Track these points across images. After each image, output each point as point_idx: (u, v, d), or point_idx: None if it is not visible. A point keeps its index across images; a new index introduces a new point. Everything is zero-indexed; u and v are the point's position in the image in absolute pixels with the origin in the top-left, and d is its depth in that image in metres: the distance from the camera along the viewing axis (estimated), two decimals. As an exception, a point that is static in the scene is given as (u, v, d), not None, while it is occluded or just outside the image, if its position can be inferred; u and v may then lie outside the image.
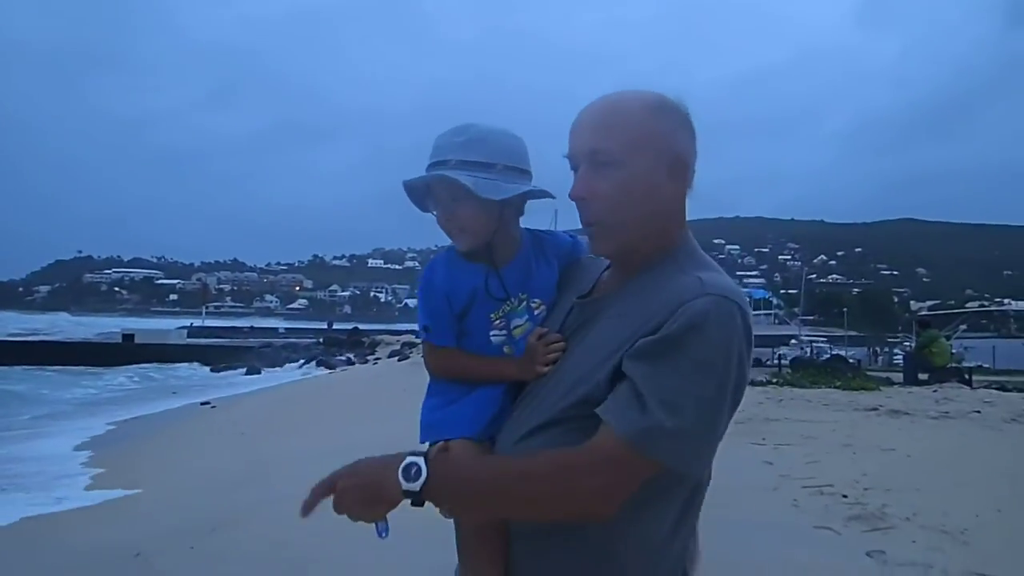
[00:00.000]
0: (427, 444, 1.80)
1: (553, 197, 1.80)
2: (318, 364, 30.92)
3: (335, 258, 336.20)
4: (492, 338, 1.82)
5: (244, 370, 31.79)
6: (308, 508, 1.59)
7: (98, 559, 6.15)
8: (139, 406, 20.66)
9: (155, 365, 36.44)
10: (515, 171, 1.80)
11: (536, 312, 1.83)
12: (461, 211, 1.78)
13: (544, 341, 1.72)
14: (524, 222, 1.90)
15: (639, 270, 1.63)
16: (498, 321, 1.82)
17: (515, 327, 1.82)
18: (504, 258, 1.84)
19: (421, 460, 1.52)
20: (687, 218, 1.69)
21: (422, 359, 1.93)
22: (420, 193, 1.86)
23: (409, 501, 1.51)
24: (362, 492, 1.55)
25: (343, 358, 36.19)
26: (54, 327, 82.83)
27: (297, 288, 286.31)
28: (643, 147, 1.57)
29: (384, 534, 1.59)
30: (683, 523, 1.57)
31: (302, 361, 32.29)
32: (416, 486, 1.49)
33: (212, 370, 32.03)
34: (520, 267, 1.85)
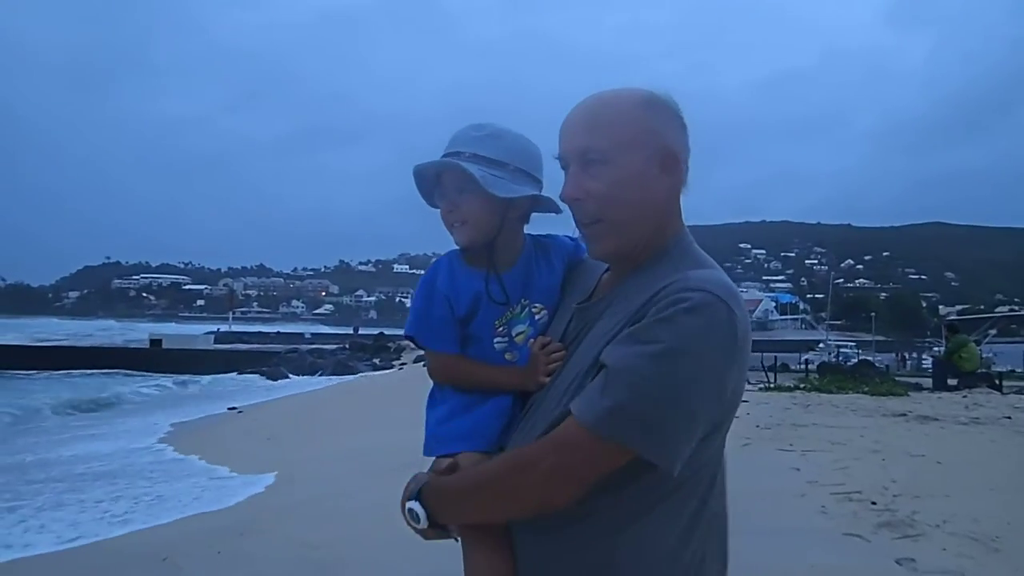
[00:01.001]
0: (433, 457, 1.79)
1: (559, 212, 1.79)
2: (343, 373, 30.88)
3: (361, 263, 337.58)
4: (495, 344, 1.81)
5: (273, 378, 31.67)
6: None
7: (126, 563, 6.20)
8: (171, 412, 20.82)
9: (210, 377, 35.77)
10: (526, 175, 1.80)
11: (537, 317, 1.82)
12: (465, 203, 1.78)
13: (546, 351, 1.72)
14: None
15: (634, 269, 1.62)
16: (501, 328, 1.81)
17: (517, 333, 1.81)
18: (506, 263, 1.83)
19: (416, 505, 1.65)
20: (686, 218, 1.68)
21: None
22: (429, 184, 1.85)
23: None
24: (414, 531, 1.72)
25: (368, 363, 36.32)
26: (99, 331, 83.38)
27: (323, 293, 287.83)
28: (634, 143, 1.56)
29: (456, 539, 1.72)
30: (692, 535, 1.54)
31: (328, 371, 32.24)
32: (423, 525, 1.65)
33: (268, 377, 31.74)
34: (521, 273, 1.84)
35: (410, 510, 1.65)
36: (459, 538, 1.69)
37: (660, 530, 1.51)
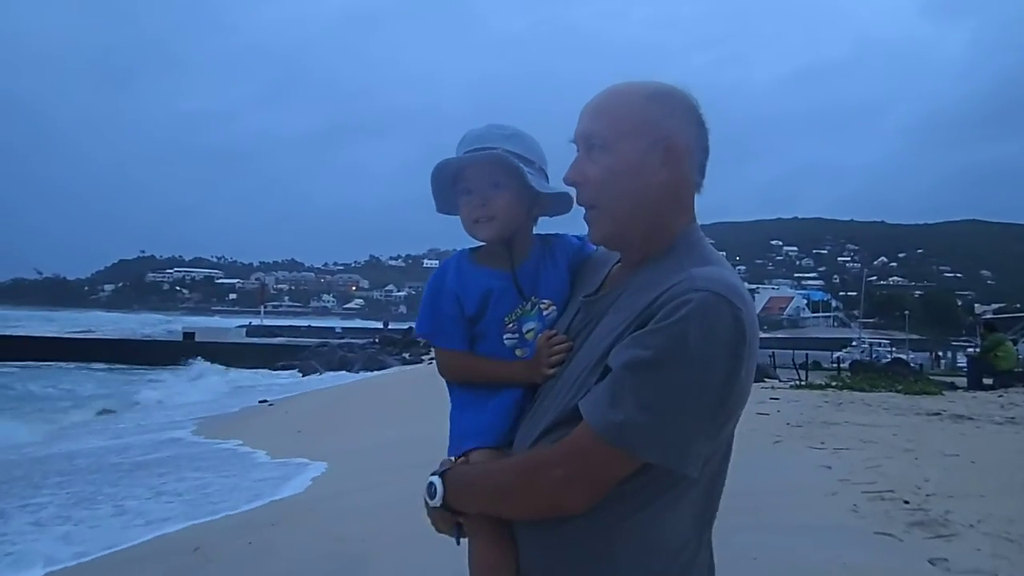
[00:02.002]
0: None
1: (569, 210, 1.82)
2: (374, 368, 30.93)
3: (391, 258, 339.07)
4: (505, 341, 1.81)
5: (301, 373, 31.69)
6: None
7: (158, 552, 6.28)
8: (203, 407, 21.05)
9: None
10: (545, 174, 1.84)
11: (546, 313, 1.82)
12: (497, 198, 1.79)
13: (549, 343, 1.72)
14: None
15: (641, 264, 1.63)
16: (511, 324, 1.81)
17: (527, 330, 1.81)
18: (518, 260, 1.84)
19: (437, 480, 1.68)
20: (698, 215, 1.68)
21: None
22: (445, 184, 1.86)
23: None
24: (427, 512, 1.75)
25: (398, 357, 36.44)
26: (144, 324, 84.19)
27: (353, 288, 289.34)
28: (633, 133, 1.58)
29: (457, 541, 1.75)
30: (693, 529, 1.56)
31: (359, 366, 32.33)
32: (437, 502, 1.68)
33: (301, 373, 31.83)
34: (532, 270, 1.85)
35: (430, 483, 1.68)
36: (460, 541, 1.73)
37: (660, 524, 1.52)
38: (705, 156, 1.65)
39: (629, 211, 1.60)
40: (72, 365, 37.04)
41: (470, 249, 1.89)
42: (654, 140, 1.57)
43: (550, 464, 1.51)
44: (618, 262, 1.75)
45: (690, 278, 1.47)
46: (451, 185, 1.85)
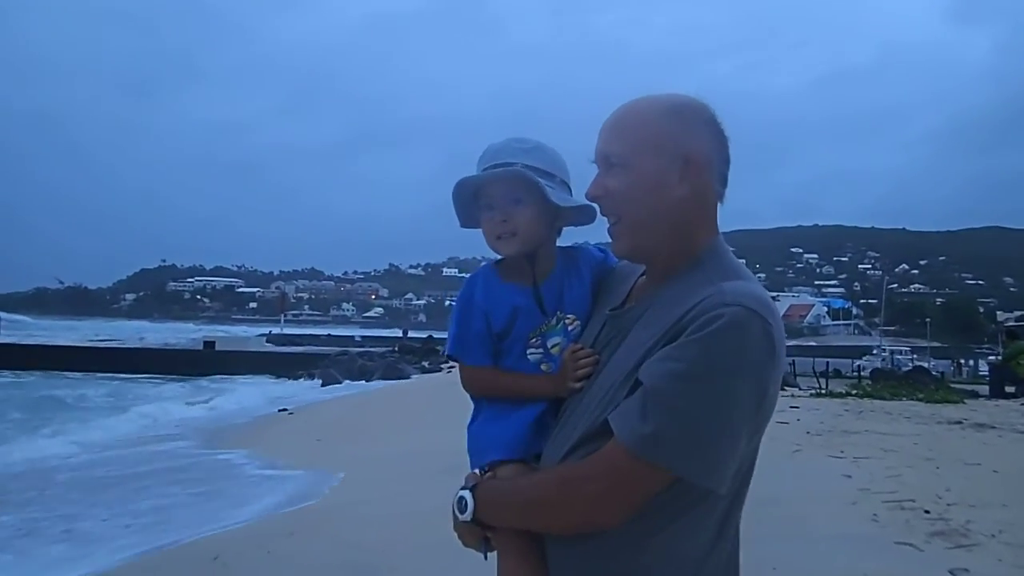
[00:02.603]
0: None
1: (592, 220, 1.82)
2: (394, 377, 30.78)
3: (410, 267, 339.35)
4: (529, 356, 1.82)
5: (320, 382, 31.40)
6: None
7: (177, 561, 6.32)
8: (223, 412, 21.15)
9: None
10: (567, 187, 1.84)
11: (571, 328, 1.82)
12: (519, 214, 1.80)
13: (575, 356, 1.72)
14: None
15: (666, 278, 1.63)
16: (535, 339, 1.82)
17: (552, 345, 1.81)
18: (542, 275, 1.85)
19: (468, 494, 1.68)
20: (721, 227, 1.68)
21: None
22: (466, 199, 1.86)
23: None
24: (454, 525, 1.74)
25: (417, 366, 36.45)
26: (176, 334, 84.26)
27: (373, 296, 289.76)
28: (650, 148, 1.59)
29: (485, 556, 1.75)
30: (722, 538, 1.56)
31: (378, 375, 32.18)
32: (468, 516, 1.67)
33: (321, 382, 31.61)
34: (556, 284, 1.86)
35: (460, 498, 1.68)
36: (487, 555, 1.73)
37: (687, 538, 1.52)
38: (726, 167, 1.66)
39: (652, 226, 1.62)
40: (80, 375, 36.82)
41: (495, 262, 1.89)
42: (672, 155, 1.58)
43: (583, 479, 1.52)
44: (642, 274, 1.76)
45: (720, 292, 1.48)
46: (472, 200, 1.86)
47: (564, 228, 1.90)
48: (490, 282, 1.87)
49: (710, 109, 1.65)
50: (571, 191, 1.86)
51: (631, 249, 1.68)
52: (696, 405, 1.41)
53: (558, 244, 1.91)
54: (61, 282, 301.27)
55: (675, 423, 1.42)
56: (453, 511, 1.71)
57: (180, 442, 14.37)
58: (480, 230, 1.87)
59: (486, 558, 1.73)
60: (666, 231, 1.61)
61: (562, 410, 1.72)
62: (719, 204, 1.67)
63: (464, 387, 1.90)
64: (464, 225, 1.90)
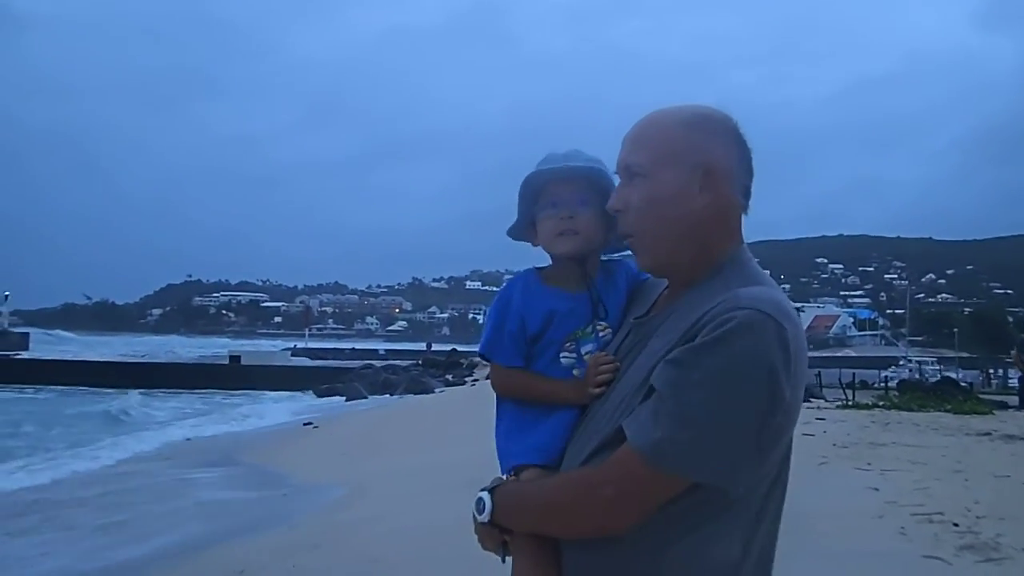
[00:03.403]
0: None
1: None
2: (418, 391, 30.63)
3: (434, 280, 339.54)
4: (562, 359, 1.82)
5: (344, 397, 31.21)
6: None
7: (202, 573, 6.36)
8: (247, 423, 21.30)
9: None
10: None
11: (602, 335, 1.83)
12: (584, 214, 1.82)
13: (596, 363, 1.73)
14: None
15: (687, 287, 1.63)
16: (570, 345, 1.83)
17: (585, 352, 1.81)
18: (580, 284, 1.86)
19: (487, 495, 1.68)
20: (744, 235, 1.66)
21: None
22: (528, 201, 1.87)
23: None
24: (475, 528, 1.74)
25: (441, 379, 36.52)
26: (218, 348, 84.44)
27: (397, 310, 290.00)
28: (671, 160, 1.59)
29: (503, 559, 1.74)
30: (748, 556, 1.53)
31: (401, 389, 32.09)
32: (485, 518, 1.67)
33: (347, 398, 31.36)
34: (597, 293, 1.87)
35: (479, 499, 1.69)
36: (505, 559, 1.72)
37: (709, 548, 1.50)
38: (749, 177, 1.65)
39: (673, 238, 1.61)
40: (112, 390, 37.08)
41: (538, 268, 1.91)
42: (693, 166, 1.58)
43: (597, 483, 1.51)
44: (668, 287, 1.76)
45: (735, 297, 1.47)
46: (533, 203, 1.87)
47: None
48: (530, 285, 1.88)
49: (732, 120, 1.65)
50: None
51: (654, 263, 1.68)
52: (705, 408, 1.41)
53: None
54: (89, 298, 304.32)
55: (685, 427, 1.41)
56: (472, 513, 1.72)
57: (189, 459, 14.47)
58: (522, 242, 1.90)
59: (504, 561, 1.73)
60: (687, 242, 1.61)
61: (583, 416, 1.72)
62: (743, 215, 1.67)
63: (492, 386, 1.92)
64: (515, 229, 1.92)
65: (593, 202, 1.81)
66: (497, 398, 1.92)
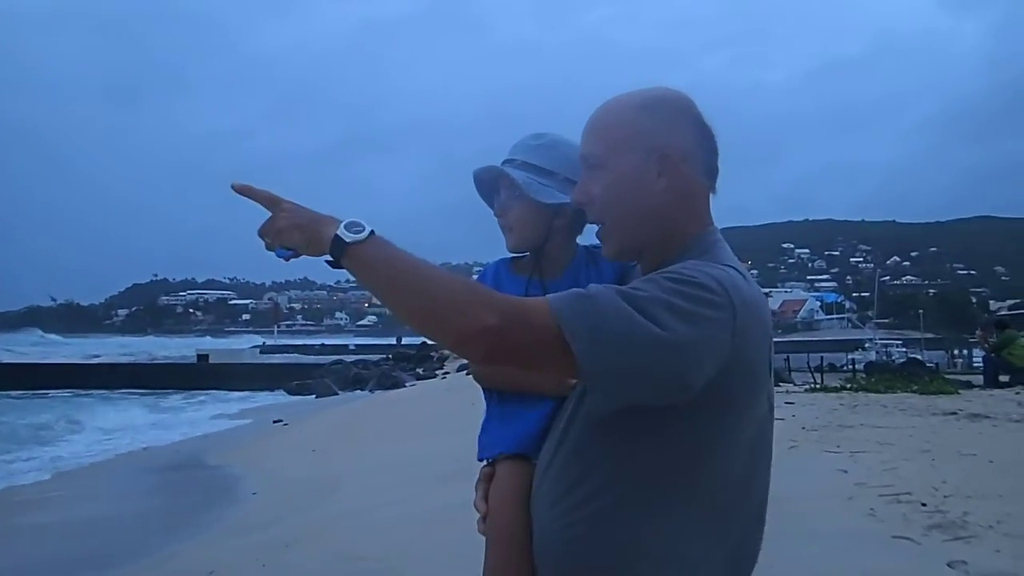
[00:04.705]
0: None
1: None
2: (389, 386, 30.38)
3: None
4: None
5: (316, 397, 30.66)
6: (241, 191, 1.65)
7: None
8: (216, 424, 21.12)
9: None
10: (571, 187, 1.81)
11: None
12: (512, 209, 1.86)
13: None
14: None
15: (654, 269, 1.60)
16: None
17: None
18: (553, 272, 1.88)
19: (369, 227, 1.49)
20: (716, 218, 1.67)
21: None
22: (487, 187, 1.93)
23: (328, 259, 1.50)
24: (298, 223, 1.55)
25: (411, 373, 36.42)
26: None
27: (366, 305, 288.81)
28: (626, 147, 1.58)
29: (285, 259, 1.59)
30: (718, 553, 1.53)
31: (372, 384, 31.81)
32: (354, 239, 1.46)
33: (318, 396, 30.73)
34: (569, 281, 1.86)
35: (356, 224, 1.49)
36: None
37: (669, 541, 1.50)
38: (713, 157, 1.64)
39: (635, 224, 1.61)
40: (69, 392, 36.38)
41: (509, 258, 1.94)
42: (647, 151, 1.57)
43: (490, 304, 1.41)
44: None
45: (688, 266, 1.49)
46: (495, 190, 1.93)
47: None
48: (500, 273, 1.92)
49: (688, 100, 1.63)
50: None
51: (620, 250, 1.68)
52: (623, 305, 1.37)
53: (587, 244, 1.93)
54: (54, 299, 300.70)
55: (596, 310, 1.37)
56: (334, 226, 1.49)
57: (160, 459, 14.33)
58: (465, 232, 1.91)
59: (284, 260, 1.60)
60: (651, 227, 1.61)
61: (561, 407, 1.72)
62: (711, 195, 1.66)
63: (474, 377, 1.92)
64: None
65: (518, 195, 1.83)
66: (483, 389, 1.93)
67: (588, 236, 1.91)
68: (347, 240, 1.46)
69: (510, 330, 1.38)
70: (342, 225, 1.47)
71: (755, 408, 1.54)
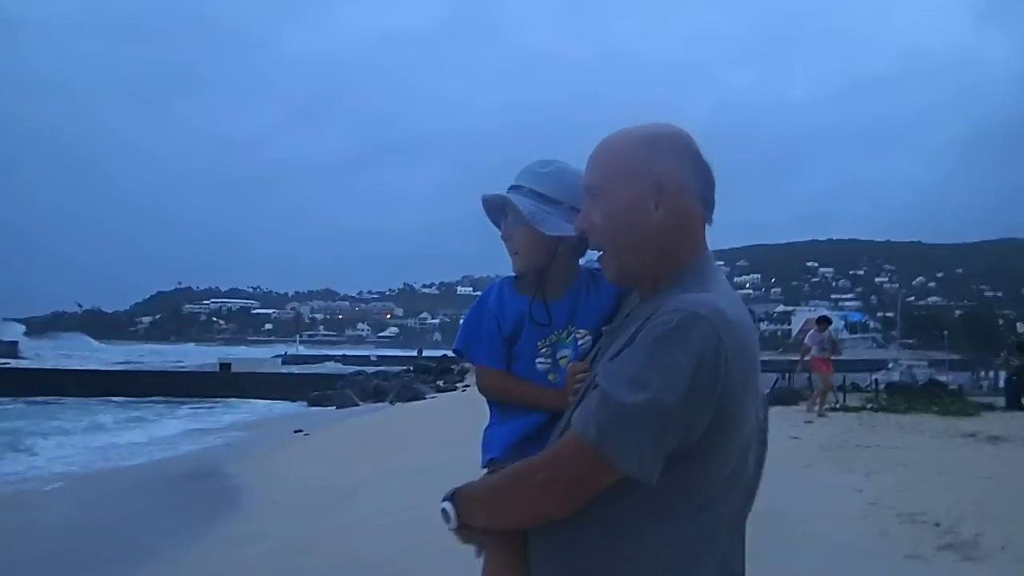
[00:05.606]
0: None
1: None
2: (409, 398, 30.36)
3: (424, 286, 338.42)
4: (538, 365, 1.93)
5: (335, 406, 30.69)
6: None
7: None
8: (238, 434, 21.25)
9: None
10: (575, 215, 1.88)
11: (580, 342, 1.94)
12: (517, 235, 1.95)
13: (573, 371, 1.82)
14: None
15: (652, 294, 1.71)
16: (544, 349, 1.94)
17: (561, 357, 1.93)
18: (555, 292, 1.97)
19: (448, 505, 1.73)
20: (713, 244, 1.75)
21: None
22: (495, 210, 2.02)
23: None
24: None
25: (432, 385, 36.48)
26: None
27: (388, 316, 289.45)
28: (624, 179, 1.68)
29: (478, 554, 1.81)
30: (708, 551, 1.60)
31: (393, 396, 31.79)
32: (453, 526, 1.73)
33: (338, 407, 30.74)
34: (570, 301, 1.97)
35: (443, 511, 1.74)
36: (480, 554, 1.80)
37: (656, 551, 1.57)
38: (709, 189, 1.72)
39: (632, 251, 1.70)
40: (94, 399, 36.40)
41: (513, 276, 2.02)
42: (645, 183, 1.66)
43: (534, 470, 1.61)
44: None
45: (679, 301, 1.56)
46: (503, 213, 2.01)
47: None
48: (504, 291, 2.00)
49: (686, 135, 1.72)
50: None
51: (619, 275, 1.76)
52: (630, 397, 1.48)
53: (588, 265, 2.01)
54: (79, 305, 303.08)
55: (612, 413, 1.49)
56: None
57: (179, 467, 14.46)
58: (486, 245, 2.03)
59: (478, 556, 1.80)
60: (646, 254, 1.69)
61: (560, 420, 1.79)
62: (707, 225, 1.74)
63: (479, 388, 2.02)
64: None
65: (524, 221, 1.92)
66: (488, 400, 2.03)
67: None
68: (455, 529, 1.74)
69: (557, 474, 1.57)
70: (443, 519, 1.75)
71: (747, 420, 1.62)
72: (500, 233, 2.01)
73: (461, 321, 2.07)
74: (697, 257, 1.71)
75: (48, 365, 55.57)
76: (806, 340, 16.18)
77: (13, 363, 58.41)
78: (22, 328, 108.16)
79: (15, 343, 77.69)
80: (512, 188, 1.97)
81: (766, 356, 18.03)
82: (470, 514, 1.72)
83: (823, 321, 16.29)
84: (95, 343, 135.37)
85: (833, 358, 15.85)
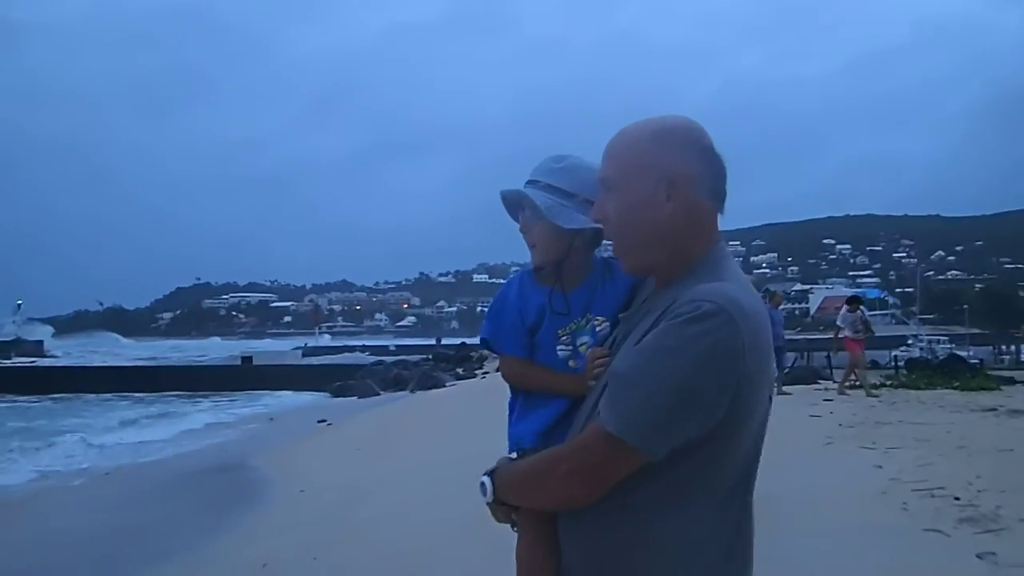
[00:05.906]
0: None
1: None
2: (429, 386, 30.53)
3: (440, 275, 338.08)
4: (559, 352, 2.02)
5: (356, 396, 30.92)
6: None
7: (226, 570, 6.53)
8: (262, 424, 21.44)
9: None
10: (590, 208, 1.96)
11: (599, 329, 2.02)
12: (535, 228, 2.03)
13: (593, 357, 1.91)
14: None
15: (666, 285, 1.79)
16: (564, 337, 2.02)
17: (580, 344, 2.01)
18: (572, 282, 2.05)
19: (487, 479, 1.86)
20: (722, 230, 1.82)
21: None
22: (513, 205, 2.10)
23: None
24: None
25: (451, 373, 36.64)
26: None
27: (405, 305, 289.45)
28: (637, 172, 1.75)
29: (514, 528, 1.91)
30: (723, 528, 1.68)
31: (413, 384, 31.96)
32: (489, 498, 1.86)
33: (359, 396, 30.89)
34: (587, 291, 2.05)
35: (481, 483, 1.86)
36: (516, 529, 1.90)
37: (680, 533, 1.66)
38: (719, 182, 1.79)
39: (646, 243, 1.77)
40: (112, 395, 36.72)
41: (534, 268, 2.10)
42: (657, 176, 1.73)
43: (561, 458, 1.71)
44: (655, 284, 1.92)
45: (695, 291, 1.64)
46: (520, 207, 2.09)
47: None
48: (524, 282, 2.08)
49: (697, 128, 1.79)
50: None
51: (634, 266, 1.85)
52: (650, 385, 1.58)
53: (604, 255, 2.09)
54: (101, 304, 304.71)
55: (632, 402, 1.59)
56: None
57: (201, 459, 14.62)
58: (500, 234, 2.11)
59: (515, 530, 1.90)
60: (660, 245, 1.76)
61: (581, 404, 1.89)
62: (719, 215, 1.81)
63: (503, 377, 2.10)
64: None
65: (540, 215, 1.99)
66: (510, 387, 2.11)
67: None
68: (490, 502, 1.87)
69: (581, 462, 1.67)
70: (480, 492, 1.88)
71: (761, 406, 1.70)
72: (518, 227, 2.08)
73: (484, 313, 2.15)
74: (710, 248, 1.78)
75: (71, 363, 56.12)
76: (839, 321, 16.21)
77: (39, 362, 59.16)
78: (50, 330, 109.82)
79: (40, 342, 78.57)
80: (528, 183, 2.04)
81: (785, 335, 18.01)
82: (505, 493, 1.84)
83: (854, 301, 16.26)
84: (123, 340, 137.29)
85: (866, 337, 15.83)
